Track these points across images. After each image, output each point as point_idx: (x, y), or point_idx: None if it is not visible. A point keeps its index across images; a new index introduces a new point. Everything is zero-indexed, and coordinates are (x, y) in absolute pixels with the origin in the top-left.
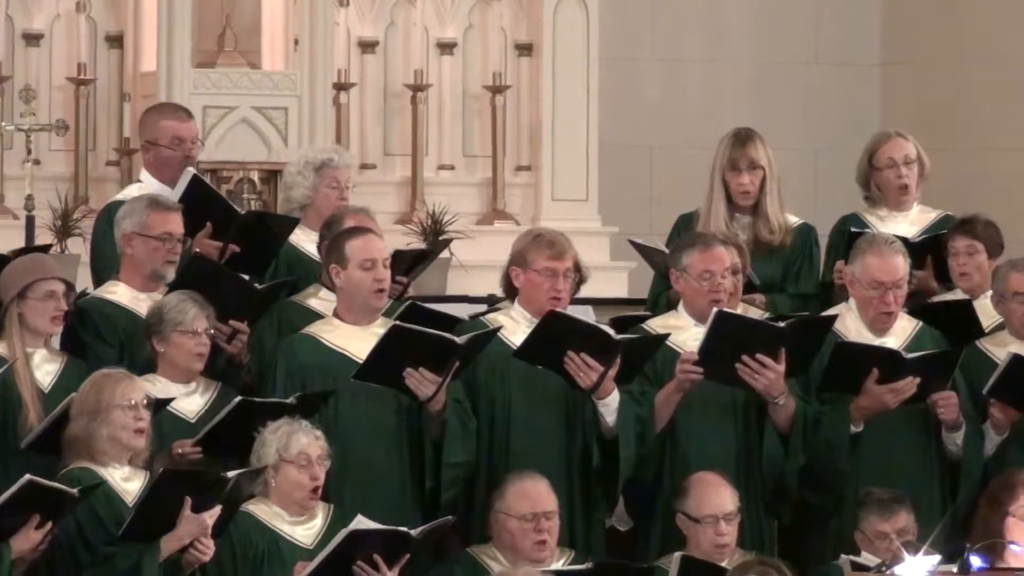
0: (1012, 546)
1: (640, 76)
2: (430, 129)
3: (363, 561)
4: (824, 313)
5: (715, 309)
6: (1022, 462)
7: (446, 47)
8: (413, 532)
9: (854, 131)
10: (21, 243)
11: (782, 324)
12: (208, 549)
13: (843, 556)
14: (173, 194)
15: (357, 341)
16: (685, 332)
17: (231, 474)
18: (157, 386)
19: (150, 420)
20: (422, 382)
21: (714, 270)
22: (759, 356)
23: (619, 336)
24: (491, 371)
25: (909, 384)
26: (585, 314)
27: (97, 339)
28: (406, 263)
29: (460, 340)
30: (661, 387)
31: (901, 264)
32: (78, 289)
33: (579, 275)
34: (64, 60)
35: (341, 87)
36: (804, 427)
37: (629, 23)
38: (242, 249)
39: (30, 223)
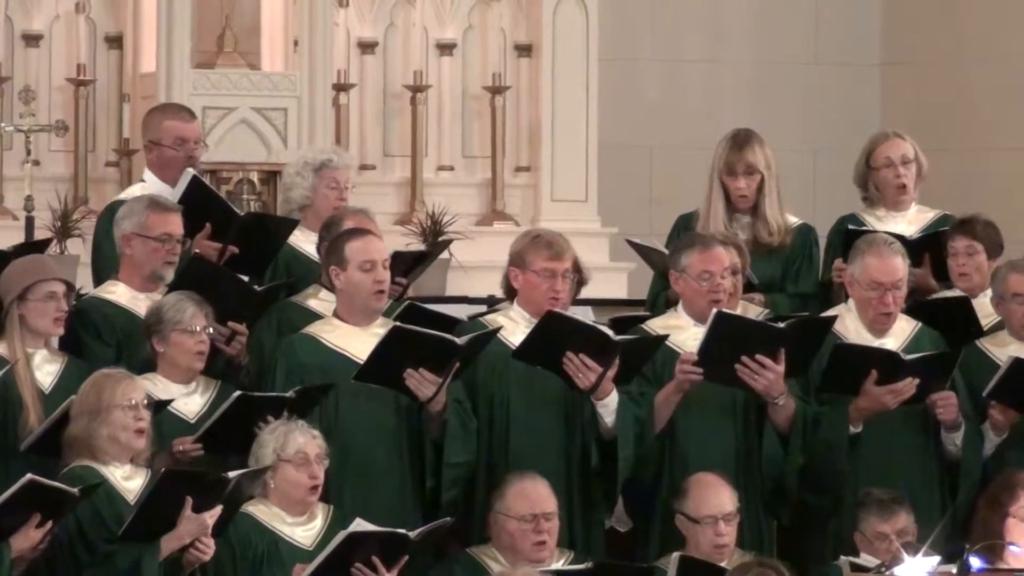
0: (1012, 547)
1: (640, 76)
2: (430, 130)
3: (361, 563)
4: (823, 314)
5: (714, 310)
6: (1021, 463)
7: (446, 48)
8: (411, 534)
9: (854, 131)
10: None
11: (781, 325)
12: (208, 548)
13: (842, 557)
14: (173, 195)
15: (357, 342)
16: (684, 332)
17: (232, 474)
18: (157, 386)
19: (150, 420)
20: (422, 383)
21: (713, 270)
22: (759, 357)
23: (618, 337)
24: (490, 371)
25: (908, 385)
26: (584, 315)
27: (96, 339)
28: (406, 264)
29: (460, 341)
30: (660, 387)
31: (900, 265)
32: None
33: (579, 276)
34: (64, 61)
35: (341, 88)
36: (804, 428)
37: (629, 23)
38: (241, 250)
39: (30, 224)
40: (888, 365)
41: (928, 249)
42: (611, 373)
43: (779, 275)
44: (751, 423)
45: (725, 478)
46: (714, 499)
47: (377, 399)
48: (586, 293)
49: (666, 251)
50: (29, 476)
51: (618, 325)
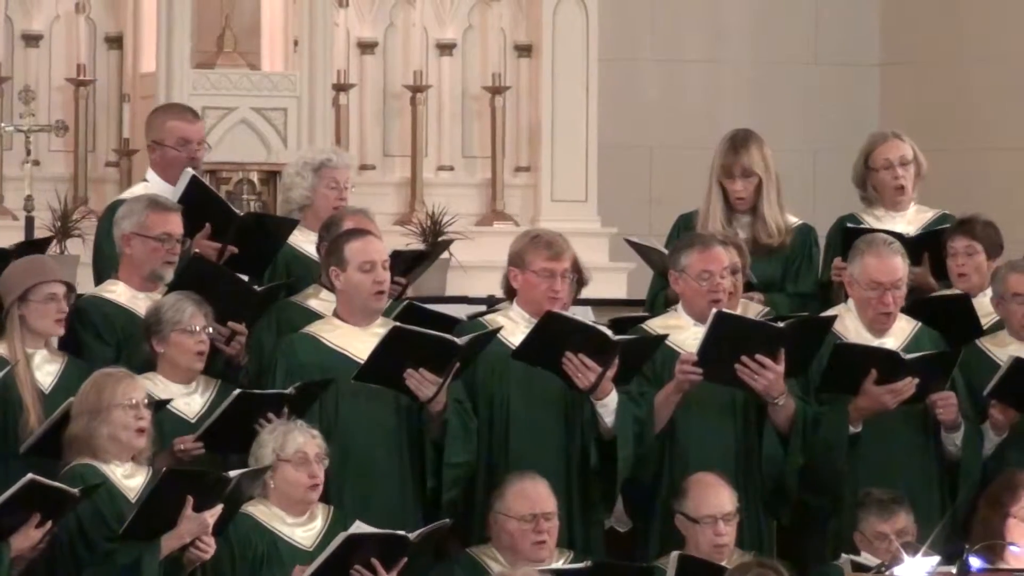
0: (1012, 547)
1: (639, 76)
2: (429, 130)
3: (361, 565)
4: (823, 314)
5: (714, 310)
6: (1022, 463)
7: (445, 48)
8: (410, 536)
9: (853, 131)
10: None
11: (781, 325)
12: (209, 547)
13: (843, 556)
14: (173, 195)
15: (357, 341)
16: (684, 332)
17: (233, 474)
18: (158, 386)
19: (151, 419)
20: (423, 383)
21: (712, 270)
22: (758, 357)
23: (617, 337)
24: (490, 371)
25: (908, 385)
26: (584, 315)
27: (95, 338)
28: (405, 263)
29: (461, 341)
30: (660, 387)
31: (900, 265)
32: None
33: (578, 276)
34: (63, 61)
35: (340, 88)
36: (804, 428)
37: (628, 23)
38: (240, 250)
39: (29, 224)
40: (888, 365)
41: (927, 248)
42: (610, 373)
43: (779, 275)
44: (751, 423)
45: (725, 478)
46: (714, 499)
47: (377, 399)
48: (586, 293)
49: (665, 250)
50: (30, 476)
51: (618, 326)
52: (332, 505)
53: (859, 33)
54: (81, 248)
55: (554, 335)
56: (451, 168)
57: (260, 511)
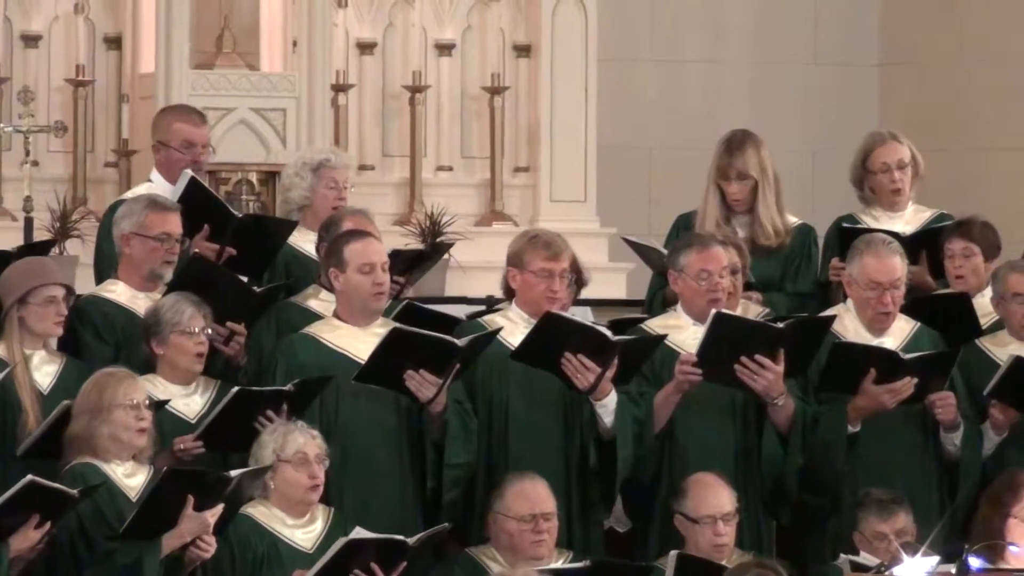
0: (1012, 547)
1: (639, 77)
2: (428, 130)
3: (360, 569)
4: (822, 314)
5: (713, 311)
6: (1022, 462)
7: (444, 48)
8: (410, 540)
9: (853, 131)
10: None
11: (781, 325)
12: (210, 547)
13: (842, 556)
14: (175, 195)
15: (357, 342)
16: (684, 332)
17: (234, 473)
18: (157, 387)
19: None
20: (423, 384)
21: (711, 269)
22: (758, 357)
23: (616, 337)
24: (489, 372)
25: (907, 384)
26: (583, 315)
27: (95, 338)
28: (404, 263)
29: (461, 342)
30: (659, 387)
31: (899, 264)
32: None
33: (578, 276)
34: (62, 61)
35: (339, 88)
36: (803, 428)
37: (628, 24)
38: (239, 252)
39: (28, 224)
40: (887, 364)
41: (924, 246)
42: (610, 373)
43: (778, 274)
44: (750, 423)
45: (724, 478)
46: (713, 499)
47: (377, 399)
48: (585, 293)
49: (663, 250)
50: (29, 477)
51: (617, 327)
52: (332, 506)
53: (858, 33)
54: (80, 249)
55: (553, 336)
56: (450, 168)
57: (260, 512)
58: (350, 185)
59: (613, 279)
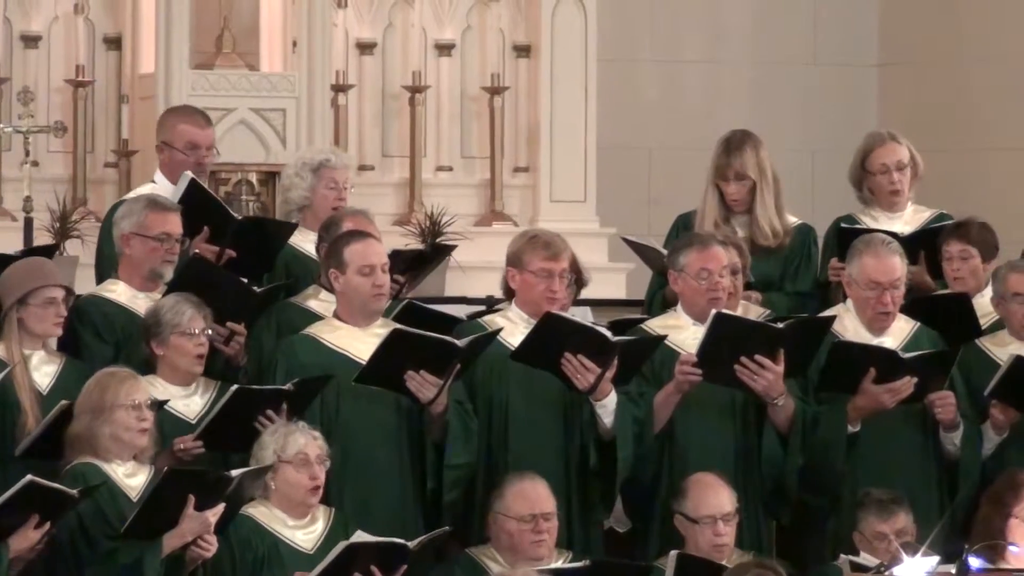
0: (1012, 547)
1: (638, 77)
2: (428, 130)
3: (361, 573)
4: (822, 314)
5: (713, 311)
6: (1021, 462)
7: (444, 48)
8: (410, 544)
9: (852, 131)
10: (19, 245)
11: (781, 325)
12: (211, 546)
13: (842, 557)
14: (175, 195)
15: (358, 342)
16: (684, 332)
17: (234, 473)
18: (157, 388)
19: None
20: (423, 385)
21: (712, 268)
22: (758, 357)
23: (616, 338)
24: (489, 372)
25: (906, 384)
26: (583, 316)
27: (95, 337)
28: (404, 263)
29: (461, 343)
30: (659, 387)
31: (898, 264)
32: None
33: (577, 276)
34: (62, 62)
35: (339, 88)
36: (803, 428)
37: (627, 24)
38: (239, 254)
39: (28, 225)
40: (886, 363)
41: (923, 246)
42: (609, 374)
43: (777, 274)
44: (750, 423)
45: (724, 478)
46: (713, 499)
47: (378, 399)
48: (584, 294)
49: (662, 250)
50: (29, 477)
51: (617, 327)
52: (333, 506)
53: (858, 33)
54: (80, 249)
55: (553, 336)
56: (450, 168)
57: (261, 513)
58: (350, 185)
59: (613, 279)
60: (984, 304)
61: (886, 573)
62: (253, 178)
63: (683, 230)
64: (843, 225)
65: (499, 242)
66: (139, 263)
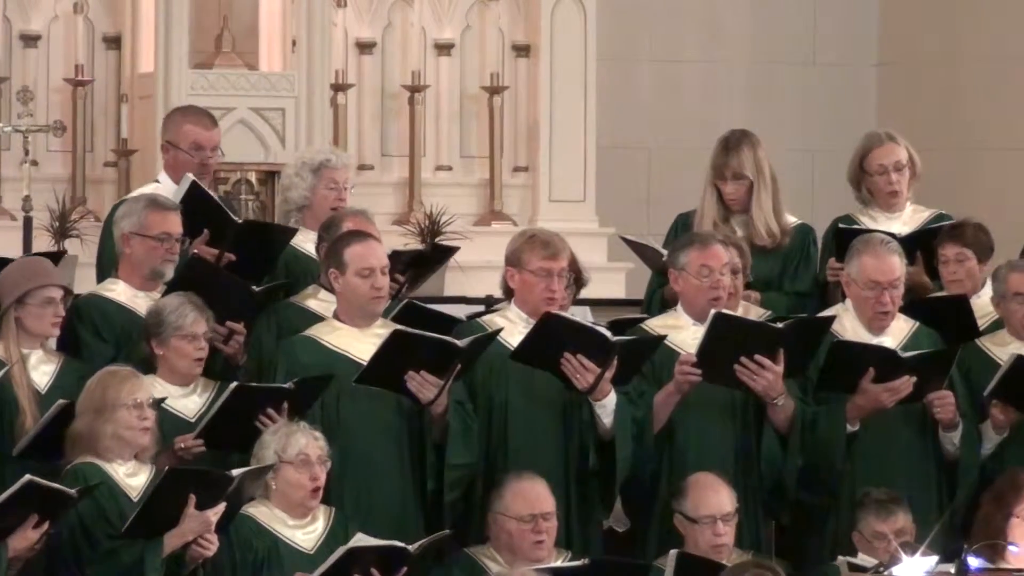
0: (1011, 547)
1: (638, 77)
2: (428, 130)
3: (360, 575)
4: (821, 314)
5: (713, 311)
6: (1021, 462)
7: (444, 48)
8: (411, 547)
9: (851, 132)
10: (19, 244)
11: (780, 325)
12: (212, 545)
13: (841, 557)
14: (178, 196)
15: (358, 343)
16: (683, 332)
17: (235, 472)
18: (156, 387)
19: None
20: (424, 385)
21: (712, 266)
22: (757, 357)
23: (616, 338)
24: (489, 372)
25: (905, 383)
26: (583, 315)
27: (94, 336)
28: (404, 263)
29: (461, 343)
30: (659, 387)
31: (897, 264)
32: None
33: (577, 276)
34: (62, 61)
35: (339, 88)
36: (803, 428)
37: (627, 24)
38: (238, 257)
39: (28, 224)
40: (886, 363)
41: (920, 246)
42: (609, 374)
43: (777, 274)
44: (750, 423)
45: (724, 478)
46: (713, 499)
47: (379, 399)
48: (584, 293)
49: (662, 250)
50: (28, 477)
51: (617, 327)
52: (333, 506)
53: (857, 34)
54: (80, 248)
55: (552, 336)
56: (449, 168)
57: (261, 513)
58: (350, 185)
59: (612, 279)
60: (981, 305)
61: (885, 573)
62: (252, 178)
63: (682, 230)
64: (841, 226)
65: (498, 242)
66: (139, 263)
